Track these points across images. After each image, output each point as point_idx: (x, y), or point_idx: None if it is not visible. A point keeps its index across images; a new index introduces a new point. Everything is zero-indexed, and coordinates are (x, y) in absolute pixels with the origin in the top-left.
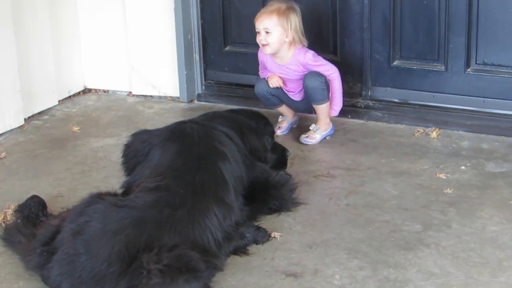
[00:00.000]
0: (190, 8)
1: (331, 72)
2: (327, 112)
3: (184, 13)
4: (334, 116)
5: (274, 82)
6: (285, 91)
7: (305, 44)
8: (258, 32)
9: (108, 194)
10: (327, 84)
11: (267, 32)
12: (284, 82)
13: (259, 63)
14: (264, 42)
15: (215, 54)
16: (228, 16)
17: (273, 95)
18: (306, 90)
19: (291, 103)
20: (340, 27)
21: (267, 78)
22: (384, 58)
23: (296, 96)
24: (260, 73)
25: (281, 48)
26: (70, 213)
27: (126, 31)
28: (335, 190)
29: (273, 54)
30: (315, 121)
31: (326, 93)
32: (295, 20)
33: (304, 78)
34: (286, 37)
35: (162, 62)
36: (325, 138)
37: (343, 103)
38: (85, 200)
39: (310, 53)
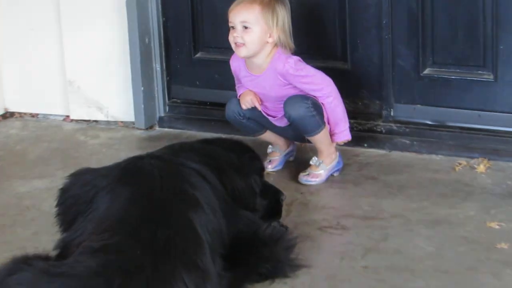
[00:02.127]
0: (148, 1)
1: (321, 87)
2: (327, 140)
3: (140, 8)
4: (341, 144)
5: (247, 102)
6: (264, 114)
7: (291, 49)
8: (233, 27)
9: (38, 257)
10: (317, 106)
11: (246, 27)
12: (261, 102)
13: (234, 75)
14: (239, 41)
15: (183, 63)
16: (199, 12)
17: (249, 118)
18: (290, 122)
19: (275, 130)
20: (350, 23)
21: (239, 96)
22: (411, 65)
23: (279, 122)
24: (236, 87)
25: (260, 52)
26: None
27: (61, 33)
28: (348, 247)
29: (248, 59)
30: (315, 152)
31: (318, 119)
32: (283, 15)
33: (284, 106)
34: (269, 37)
35: (110, 74)
36: (332, 175)
37: (351, 125)
38: (6, 267)
39: (293, 59)
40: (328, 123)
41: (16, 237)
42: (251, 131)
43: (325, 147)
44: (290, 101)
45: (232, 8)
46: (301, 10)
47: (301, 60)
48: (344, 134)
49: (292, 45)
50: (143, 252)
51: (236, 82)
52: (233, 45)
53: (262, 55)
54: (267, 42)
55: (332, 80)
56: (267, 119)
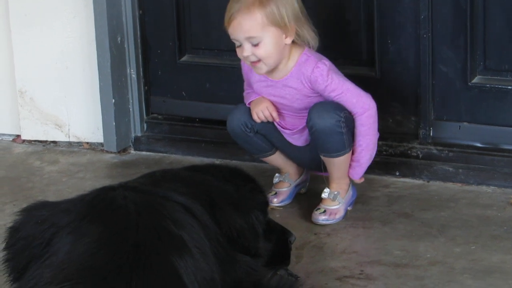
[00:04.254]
0: None
1: (359, 107)
2: (346, 167)
3: None
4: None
5: (262, 111)
6: (278, 128)
7: (316, 40)
8: (236, 41)
9: None
10: (349, 123)
11: (254, 44)
12: (278, 113)
13: (244, 78)
14: (253, 59)
15: (165, 68)
16: (186, 4)
17: (257, 132)
18: (311, 133)
19: (288, 150)
20: (379, 18)
21: (249, 103)
22: (456, 72)
23: (297, 139)
24: (245, 93)
25: (282, 58)
26: None
27: (9, 31)
28: None
29: None
30: (326, 182)
31: (346, 140)
32: (288, 7)
33: (309, 113)
34: (286, 37)
35: (72, 83)
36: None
37: (379, 148)
38: None
39: (325, 66)
40: (353, 150)
41: None
42: (257, 150)
43: (341, 175)
44: (318, 108)
45: (227, 22)
46: (320, 6)
47: (333, 68)
48: (360, 172)
49: (314, 32)
50: None
51: (245, 86)
52: (247, 62)
53: (284, 60)
54: (286, 44)
55: (372, 100)
56: (281, 136)
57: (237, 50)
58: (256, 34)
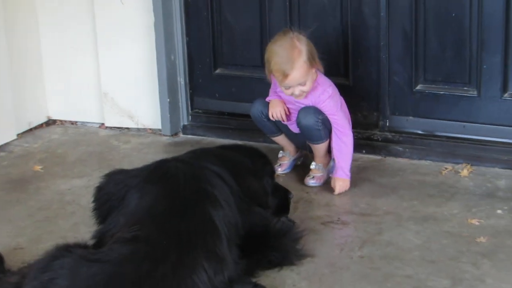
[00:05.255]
0: (174, 23)
1: (342, 128)
2: (324, 151)
3: (166, 30)
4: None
5: (276, 113)
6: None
7: (321, 65)
8: (287, 86)
9: (77, 245)
10: (326, 122)
11: (302, 85)
12: (287, 114)
13: (272, 84)
14: (300, 94)
15: (204, 77)
16: (218, 33)
17: (269, 120)
18: (298, 126)
19: (289, 134)
20: (352, 44)
21: (269, 100)
22: (405, 81)
23: (295, 128)
24: (270, 90)
25: None
26: (32, 268)
27: (97, 51)
28: (347, 239)
29: None
30: (313, 157)
31: (322, 134)
32: (311, 48)
33: (298, 112)
34: (313, 70)
35: (140, 87)
36: (329, 176)
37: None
38: (50, 253)
39: (329, 94)
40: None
41: (59, 228)
42: (269, 131)
43: (321, 154)
44: (304, 110)
45: (285, 77)
46: (308, 32)
47: (336, 100)
48: (342, 173)
49: (321, 62)
50: (169, 242)
51: (272, 86)
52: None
53: None
54: (313, 76)
55: (352, 136)
56: (286, 124)
57: (285, 91)
58: (304, 79)
